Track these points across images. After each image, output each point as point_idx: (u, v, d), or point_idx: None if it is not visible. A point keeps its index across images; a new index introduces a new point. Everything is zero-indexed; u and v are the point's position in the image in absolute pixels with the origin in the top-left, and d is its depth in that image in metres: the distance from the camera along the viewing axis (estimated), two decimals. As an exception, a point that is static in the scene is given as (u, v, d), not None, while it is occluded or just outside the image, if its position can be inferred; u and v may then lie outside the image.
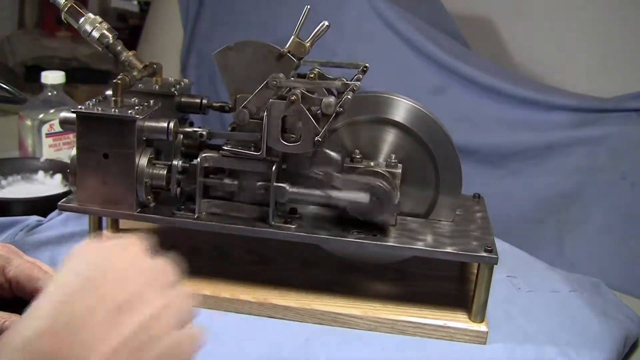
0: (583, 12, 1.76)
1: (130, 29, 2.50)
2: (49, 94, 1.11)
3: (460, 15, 1.82)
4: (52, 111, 1.10)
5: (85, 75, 2.29)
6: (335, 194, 0.70)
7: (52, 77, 1.11)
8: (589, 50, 1.74)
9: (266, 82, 0.68)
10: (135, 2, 2.58)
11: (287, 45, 0.71)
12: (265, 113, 0.68)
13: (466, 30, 1.74)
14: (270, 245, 0.81)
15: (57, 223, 0.87)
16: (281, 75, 0.69)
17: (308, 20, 0.70)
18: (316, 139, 0.68)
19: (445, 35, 1.56)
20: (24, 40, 2.43)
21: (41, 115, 1.10)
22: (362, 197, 0.70)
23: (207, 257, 0.80)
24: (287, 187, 0.70)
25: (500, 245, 0.71)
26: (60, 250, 0.81)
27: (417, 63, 1.46)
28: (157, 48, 1.95)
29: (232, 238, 0.81)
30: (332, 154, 0.74)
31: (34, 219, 0.88)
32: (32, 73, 2.16)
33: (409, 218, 0.76)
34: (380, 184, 0.69)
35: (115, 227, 0.84)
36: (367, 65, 0.74)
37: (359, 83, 0.69)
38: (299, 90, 0.68)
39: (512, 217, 1.32)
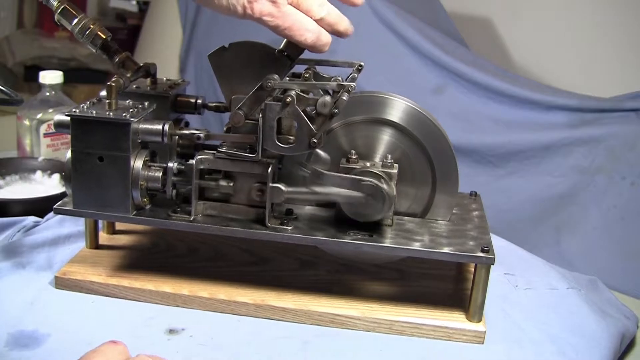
0: (581, 12, 1.75)
1: (129, 28, 2.50)
2: (47, 93, 1.11)
3: (459, 15, 1.82)
4: (50, 111, 1.10)
5: (83, 75, 2.29)
6: (332, 190, 0.70)
7: (51, 77, 1.11)
8: (587, 51, 1.74)
9: (260, 84, 0.68)
10: (134, 2, 2.57)
11: (282, 45, 0.70)
12: (260, 115, 0.68)
13: (465, 30, 1.74)
14: (266, 246, 0.81)
15: (53, 224, 0.87)
16: (275, 76, 0.69)
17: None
18: (312, 140, 0.68)
19: (443, 35, 1.55)
20: (22, 40, 2.43)
21: (39, 115, 1.10)
22: (356, 193, 0.70)
23: (203, 259, 0.80)
24: (283, 188, 0.70)
25: (497, 242, 0.71)
26: (56, 251, 0.81)
27: (415, 63, 1.45)
28: (156, 48, 1.95)
29: (228, 239, 0.81)
30: (321, 153, 0.73)
31: (30, 219, 0.88)
32: (31, 73, 2.16)
33: (405, 218, 0.76)
34: (370, 182, 0.69)
35: (111, 229, 0.84)
36: (362, 63, 0.74)
37: (354, 84, 0.68)
38: (294, 92, 0.67)
39: (510, 217, 1.32)
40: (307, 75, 0.72)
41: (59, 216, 0.88)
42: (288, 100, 0.66)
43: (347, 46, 1.51)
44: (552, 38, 1.78)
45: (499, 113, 1.38)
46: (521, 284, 0.83)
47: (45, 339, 0.65)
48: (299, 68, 0.75)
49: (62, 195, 0.85)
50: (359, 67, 0.74)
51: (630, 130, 1.27)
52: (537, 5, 1.81)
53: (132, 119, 0.67)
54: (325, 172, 0.71)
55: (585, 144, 1.30)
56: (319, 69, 0.75)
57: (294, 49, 0.70)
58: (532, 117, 1.35)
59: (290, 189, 0.70)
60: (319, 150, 0.73)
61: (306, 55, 0.72)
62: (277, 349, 0.67)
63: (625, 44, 1.67)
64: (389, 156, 0.73)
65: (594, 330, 0.75)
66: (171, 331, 0.68)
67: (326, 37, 0.67)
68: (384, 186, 0.69)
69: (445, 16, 1.71)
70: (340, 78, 0.71)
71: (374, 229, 0.72)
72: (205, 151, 0.72)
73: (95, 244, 0.80)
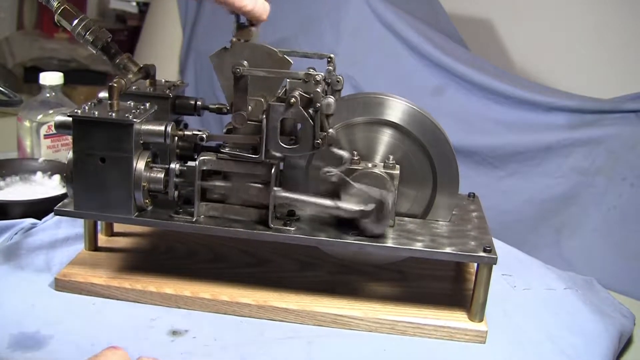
0: (581, 13, 1.75)
1: (129, 30, 2.50)
2: (47, 95, 1.11)
3: (459, 17, 1.82)
4: (50, 112, 1.10)
5: (83, 77, 2.30)
6: (340, 204, 0.70)
7: (51, 78, 1.11)
8: (587, 52, 1.74)
9: (233, 74, 0.68)
10: (134, 3, 2.57)
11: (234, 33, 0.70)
12: (264, 116, 0.68)
13: (465, 32, 1.74)
14: (267, 246, 0.81)
15: (50, 225, 0.87)
16: (245, 62, 0.68)
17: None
18: (316, 141, 0.68)
19: (444, 36, 1.55)
20: (22, 41, 2.43)
21: (39, 117, 1.10)
22: (367, 208, 0.69)
23: (203, 260, 0.80)
24: (284, 193, 0.70)
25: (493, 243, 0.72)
26: (54, 253, 0.80)
27: (416, 64, 1.45)
28: (156, 49, 1.95)
29: (227, 240, 0.81)
30: (342, 152, 0.71)
31: (28, 221, 0.88)
32: (31, 74, 2.16)
33: (406, 219, 0.76)
34: (384, 200, 0.69)
35: (110, 231, 0.84)
36: (331, 55, 0.74)
37: (322, 74, 0.67)
38: (297, 93, 0.67)
39: (510, 218, 1.33)
40: (317, 77, 0.72)
41: (56, 218, 0.88)
42: (292, 100, 0.66)
43: (348, 47, 1.52)
44: (552, 39, 1.79)
45: (499, 114, 1.38)
46: (519, 285, 0.83)
47: (48, 340, 0.65)
48: (299, 67, 0.75)
49: (62, 197, 0.85)
50: (329, 59, 0.73)
51: (630, 132, 1.27)
52: (537, 6, 1.81)
53: (135, 120, 0.67)
54: (352, 183, 0.70)
55: (585, 145, 1.30)
56: (320, 67, 0.75)
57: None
58: (532, 118, 1.35)
59: (293, 196, 0.70)
60: (337, 150, 0.71)
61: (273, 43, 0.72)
62: (281, 349, 0.67)
63: (625, 45, 1.67)
64: (391, 157, 0.73)
65: (593, 329, 0.76)
66: (174, 332, 0.68)
67: (263, 5, 0.69)
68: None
69: (445, 17, 1.71)
70: (313, 69, 0.70)
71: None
72: (208, 152, 0.72)
73: (94, 246, 0.80)
